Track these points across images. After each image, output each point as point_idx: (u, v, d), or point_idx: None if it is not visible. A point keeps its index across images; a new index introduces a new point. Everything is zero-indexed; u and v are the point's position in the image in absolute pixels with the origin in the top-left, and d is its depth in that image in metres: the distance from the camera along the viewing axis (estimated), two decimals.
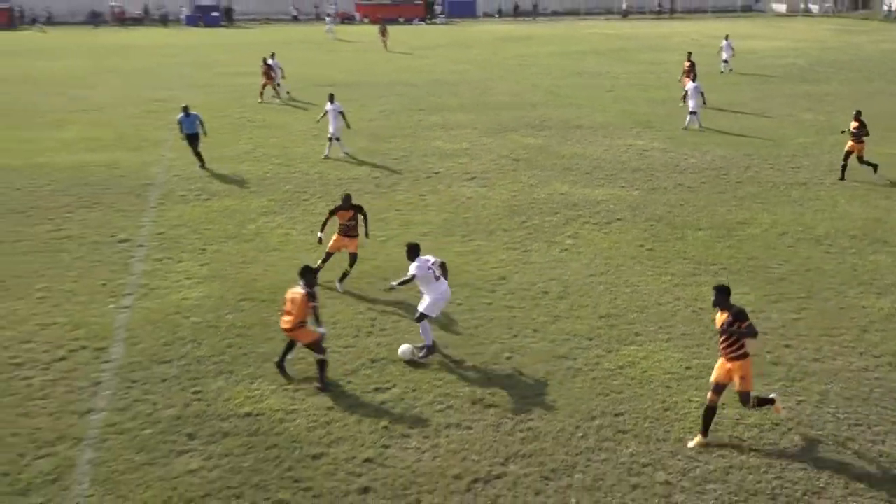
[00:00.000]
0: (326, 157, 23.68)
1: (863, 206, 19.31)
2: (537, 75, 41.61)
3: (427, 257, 12.12)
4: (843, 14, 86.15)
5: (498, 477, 9.25)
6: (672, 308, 13.67)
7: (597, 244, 16.78)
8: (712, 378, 9.79)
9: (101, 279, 14.80)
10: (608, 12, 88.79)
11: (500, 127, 28.42)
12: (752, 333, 9.46)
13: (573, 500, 8.85)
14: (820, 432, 10.09)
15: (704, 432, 9.80)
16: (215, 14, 79.42)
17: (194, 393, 10.89)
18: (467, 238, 17.14)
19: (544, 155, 24.41)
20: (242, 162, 23.44)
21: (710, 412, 9.74)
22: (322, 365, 11.07)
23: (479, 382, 11.26)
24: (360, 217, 14.63)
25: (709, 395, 9.77)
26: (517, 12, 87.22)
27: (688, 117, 28.11)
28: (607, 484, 9.13)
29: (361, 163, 23.44)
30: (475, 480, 9.19)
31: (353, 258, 14.50)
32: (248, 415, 10.43)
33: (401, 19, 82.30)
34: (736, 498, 8.90)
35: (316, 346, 11.06)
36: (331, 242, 14.61)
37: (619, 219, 18.39)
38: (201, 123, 22.56)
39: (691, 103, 27.94)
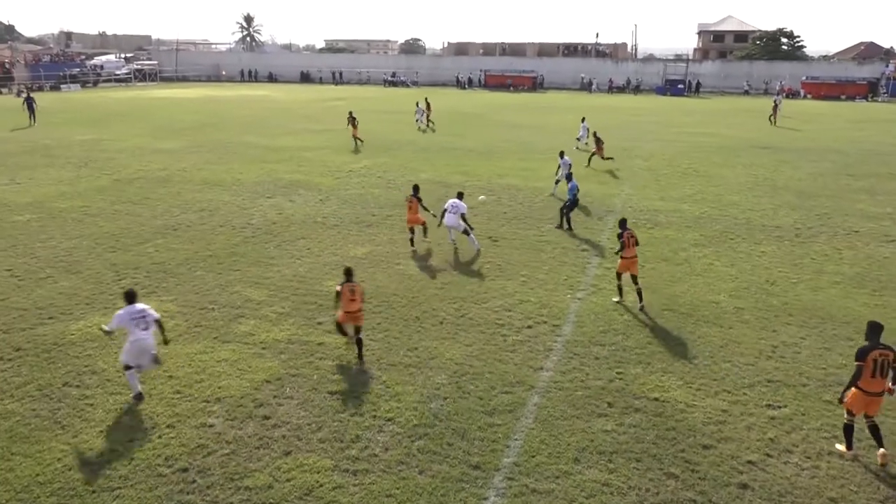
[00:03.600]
0: (552, 195, 23.13)
1: None
2: None
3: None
4: None
5: None
6: None
7: None
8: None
9: (564, 275, 15.52)
10: None
11: None
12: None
13: None
14: None
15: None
16: (681, 86, 78.30)
17: (617, 373, 10.91)
18: (877, 292, 14.57)
19: None
20: (684, 202, 22.76)
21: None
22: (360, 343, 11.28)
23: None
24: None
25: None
26: None
27: None
28: None
29: (787, 213, 21.28)
30: None
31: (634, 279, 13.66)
32: (656, 399, 10.14)
33: (843, 97, 72.88)
34: None
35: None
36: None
37: None
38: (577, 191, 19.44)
39: None
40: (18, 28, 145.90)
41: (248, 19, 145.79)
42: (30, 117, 42.00)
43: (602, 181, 26.15)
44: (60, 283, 14.55)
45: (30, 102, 42.69)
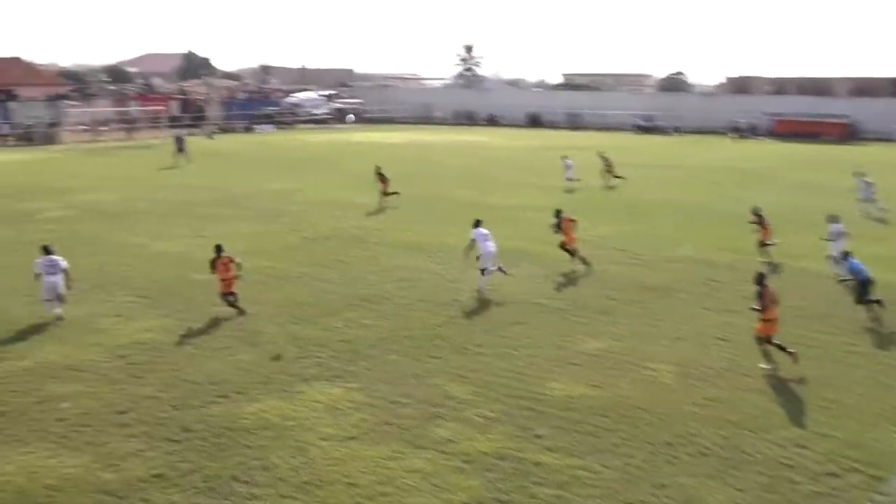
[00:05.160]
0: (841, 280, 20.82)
1: None
2: None
3: None
4: None
5: None
6: None
7: None
8: None
9: (889, 403, 14.15)
10: None
11: None
12: None
13: None
14: None
15: None
16: None
17: None
18: None
19: None
20: None
21: None
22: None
23: None
24: None
25: None
26: None
27: None
28: None
29: None
30: None
31: None
32: None
33: None
34: None
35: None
36: None
37: None
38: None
39: None
40: (214, 62, 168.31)
41: (469, 50, 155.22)
42: (180, 156, 51.47)
43: None
44: (238, 356, 16.09)
45: (180, 143, 52.43)
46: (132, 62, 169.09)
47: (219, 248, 18.94)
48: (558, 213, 23.82)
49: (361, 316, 18.84)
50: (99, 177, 43.64)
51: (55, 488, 11.08)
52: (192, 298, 20.14)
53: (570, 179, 41.98)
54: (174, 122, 78.72)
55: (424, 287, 21.44)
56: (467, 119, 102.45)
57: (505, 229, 29.26)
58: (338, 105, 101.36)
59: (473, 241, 21.30)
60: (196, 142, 71.68)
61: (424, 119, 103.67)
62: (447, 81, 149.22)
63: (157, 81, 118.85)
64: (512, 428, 12.96)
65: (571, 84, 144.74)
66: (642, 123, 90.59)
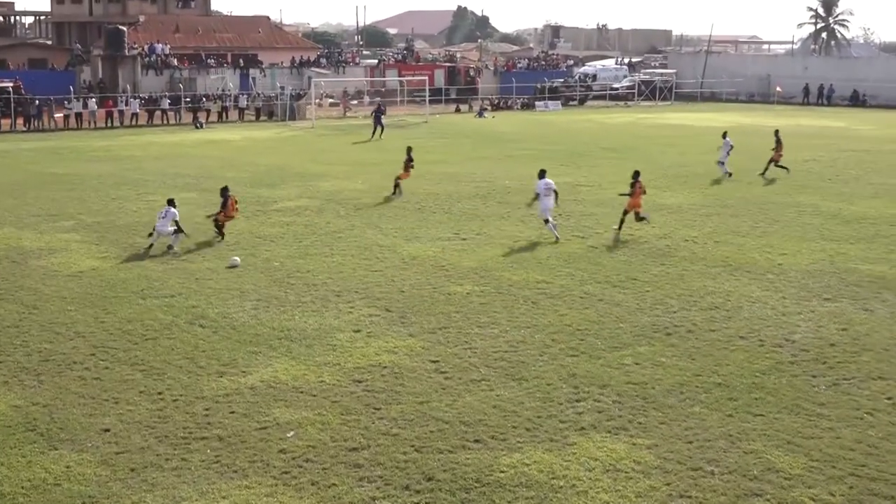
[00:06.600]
0: None
1: None
2: None
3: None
4: None
5: None
6: None
7: None
8: None
9: None
10: None
11: None
12: None
13: None
14: None
15: None
16: None
17: None
18: None
19: None
20: None
21: None
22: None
23: None
24: None
25: None
26: None
27: None
28: None
29: None
30: None
31: None
32: None
33: None
34: None
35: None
36: None
37: None
38: None
39: None
40: (494, 22, 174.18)
41: (828, 5, 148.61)
42: (376, 131, 59.07)
43: None
44: (497, 392, 16.50)
45: (378, 116, 59.99)
46: (392, 21, 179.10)
47: (225, 189, 28.36)
48: (636, 174, 28.67)
49: (658, 352, 18.66)
50: (346, 160, 46.65)
51: None
52: (446, 316, 20.92)
53: (721, 163, 43.26)
54: (437, 95, 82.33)
55: (745, 320, 20.84)
56: (820, 97, 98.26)
57: (872, 248, 27.82)
58: (642, 77, 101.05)
59: (537, 195, 28.04)
60: (463, 120, 74.67)
61: (762, 96, 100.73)
62: (795, 46, 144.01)
63: (420, 45, 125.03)
64: None
65: None
66: None
